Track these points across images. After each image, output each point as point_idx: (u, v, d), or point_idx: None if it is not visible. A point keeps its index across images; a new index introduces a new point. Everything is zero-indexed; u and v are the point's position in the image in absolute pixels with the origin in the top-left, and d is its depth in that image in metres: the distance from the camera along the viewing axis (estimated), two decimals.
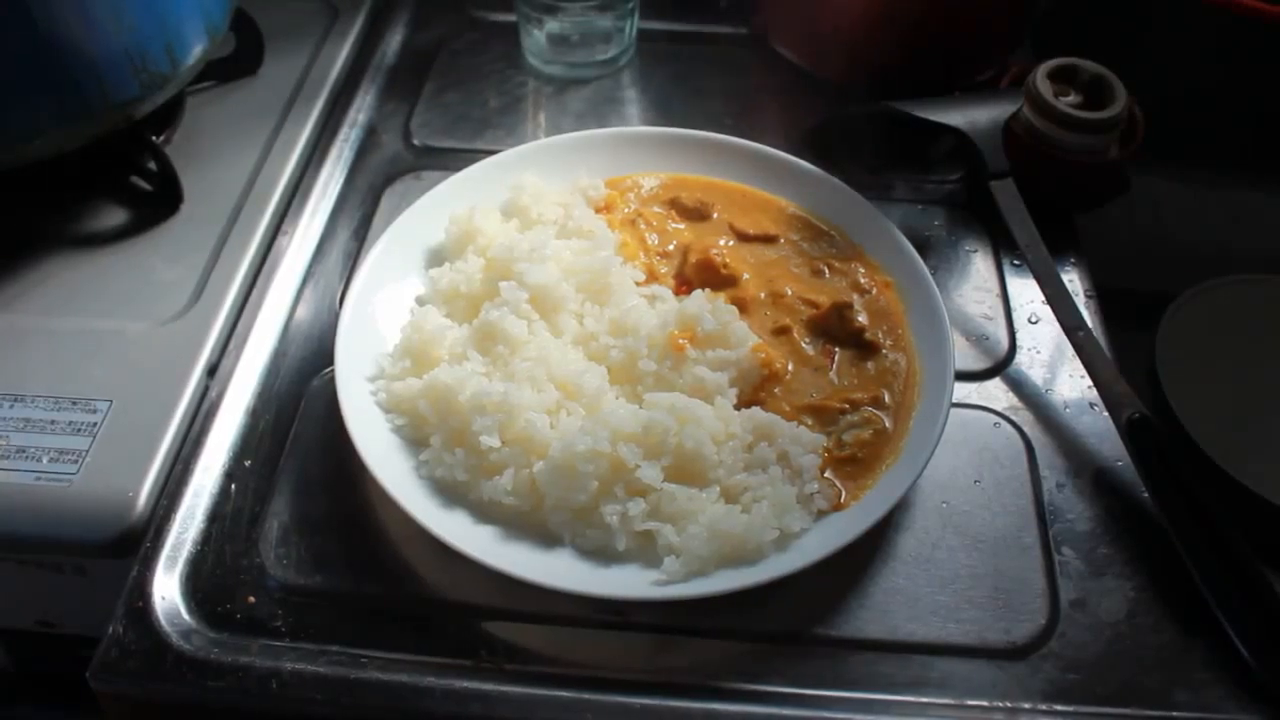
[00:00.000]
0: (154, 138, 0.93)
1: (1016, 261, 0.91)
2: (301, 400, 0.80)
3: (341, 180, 0.98)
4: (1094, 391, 0.78)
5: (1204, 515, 0.70)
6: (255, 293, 0.86)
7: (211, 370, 0.80)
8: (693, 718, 0.64)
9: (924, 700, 0.65)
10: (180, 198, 0.92)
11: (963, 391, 0.81)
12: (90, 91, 0.82)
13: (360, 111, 1.05)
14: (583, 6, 1.05)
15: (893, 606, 0.69)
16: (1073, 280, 0.89)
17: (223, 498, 0.74)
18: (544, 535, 0.70)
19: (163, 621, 0.67)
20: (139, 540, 0.70)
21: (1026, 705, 0.65)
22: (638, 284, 0.84)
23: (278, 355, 0.83)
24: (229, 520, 0.73)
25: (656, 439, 0.71)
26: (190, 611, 0.68)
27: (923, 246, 0.89)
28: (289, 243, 0.90)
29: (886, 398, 0.78)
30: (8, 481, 0.72)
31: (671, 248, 0.89)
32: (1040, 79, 0.92)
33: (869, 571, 0.71)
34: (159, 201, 0.92)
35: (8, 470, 0.73)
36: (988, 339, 0.86)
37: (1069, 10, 1.12)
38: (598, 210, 0.90)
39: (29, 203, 0.92)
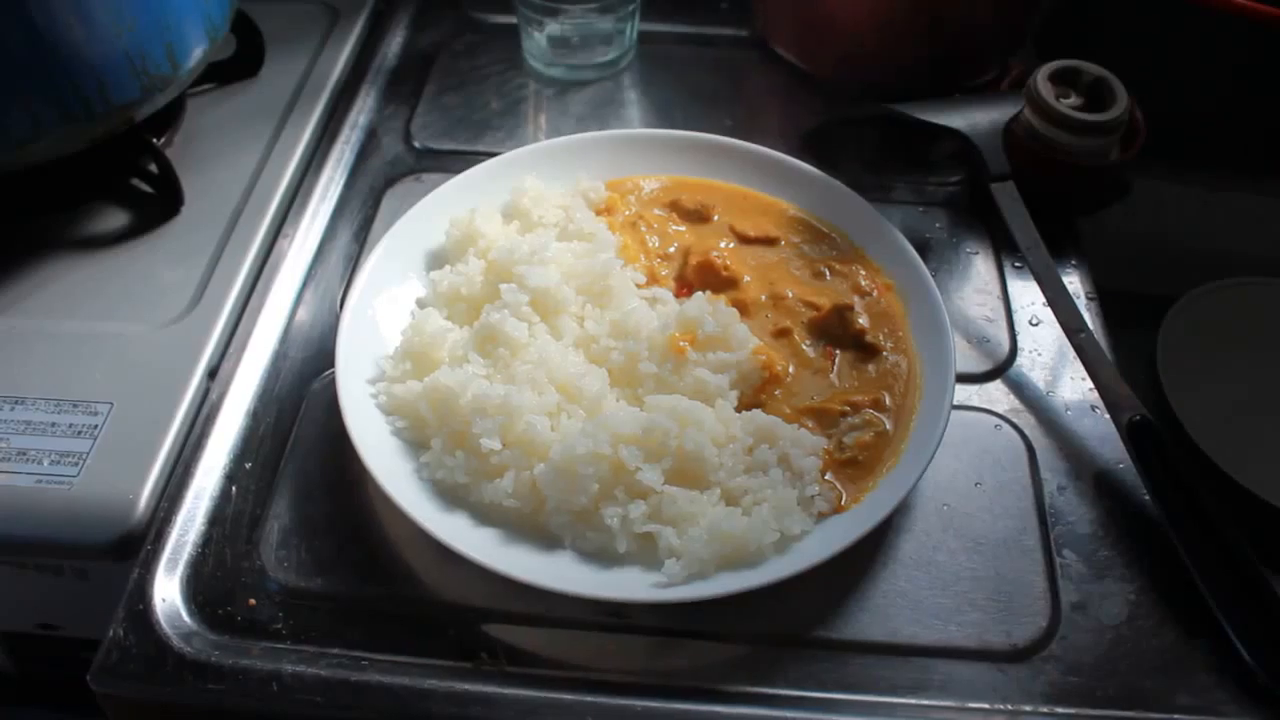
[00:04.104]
0: (154, 140, 0.93)
1: (1018, 263, 0.91)
2: (302, 402, 0.80)
3: (342, 182, 0.98)
4: (1095, 394, 0.78)
5: (1205, 517, 0.70)
6: (256, 295, 0.86)
7: (212, 372, 0.80)
8: None
9: (925, 703, 0.65)
10: (181, 200, 0.92)
11: (964, 393, 0.81)
12: (90, 93, 0.82)
13: (361, 114, 1.05)
14: (583, 9, 1.05)
15: (894, 609, 0.69)
16: (1074, 282, 0.89)
17: (223, 500, 0.74)
18: (545, 537, 0.70)
19: (163, 624, 0.67)
20: (140, 543, 0.70)
21: (1028, 708, 0.65)
22: (638, 286, 0.84)
23: (278, 358, 0.83)
24: (230, 523, 0.73)
25: (657, 441, 0.71)
26: (191, 614, 0.68)
27: (923, 248, 0.89)
28: (290, 245, 0.90)
29: (887, 400, 0.78)
30: (9, 484, 0.72)
31: (672, 250, 0.89)
32: (1041, 81, 0.92)
33: (870, 574, 0.71)
34: (159, 204, 0.92)
35: (9, 473, 0.73)
36: (989, 341, 0.86)
37: (1070, 12, 1.12)
38: (598, 213, 0.90)
39: (30, 205, 0.92)
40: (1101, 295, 0.89)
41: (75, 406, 0.77)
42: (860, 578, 0.71)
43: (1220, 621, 0.67)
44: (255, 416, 0.79)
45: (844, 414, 0.77)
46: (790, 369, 0.80)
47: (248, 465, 0.76)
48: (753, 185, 0.94)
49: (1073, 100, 0.92)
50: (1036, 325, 0.87)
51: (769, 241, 0.90)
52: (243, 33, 1.05)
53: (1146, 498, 0.74)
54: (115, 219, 0.92)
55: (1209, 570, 0.68)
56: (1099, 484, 0.76)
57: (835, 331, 0.82)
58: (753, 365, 0.78)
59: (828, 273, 0.87)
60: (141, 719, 0.68)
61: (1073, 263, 0.91)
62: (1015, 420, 0.80)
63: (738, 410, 0.76)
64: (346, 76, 1.09)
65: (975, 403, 0.81)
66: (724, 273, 0.85)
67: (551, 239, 0.84)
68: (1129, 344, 0.84)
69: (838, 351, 0.81)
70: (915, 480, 0.70)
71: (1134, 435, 0.74)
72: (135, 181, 0.95)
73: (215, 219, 0.92)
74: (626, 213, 0.91)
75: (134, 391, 0.78)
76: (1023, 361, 0.85)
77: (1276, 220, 1.03)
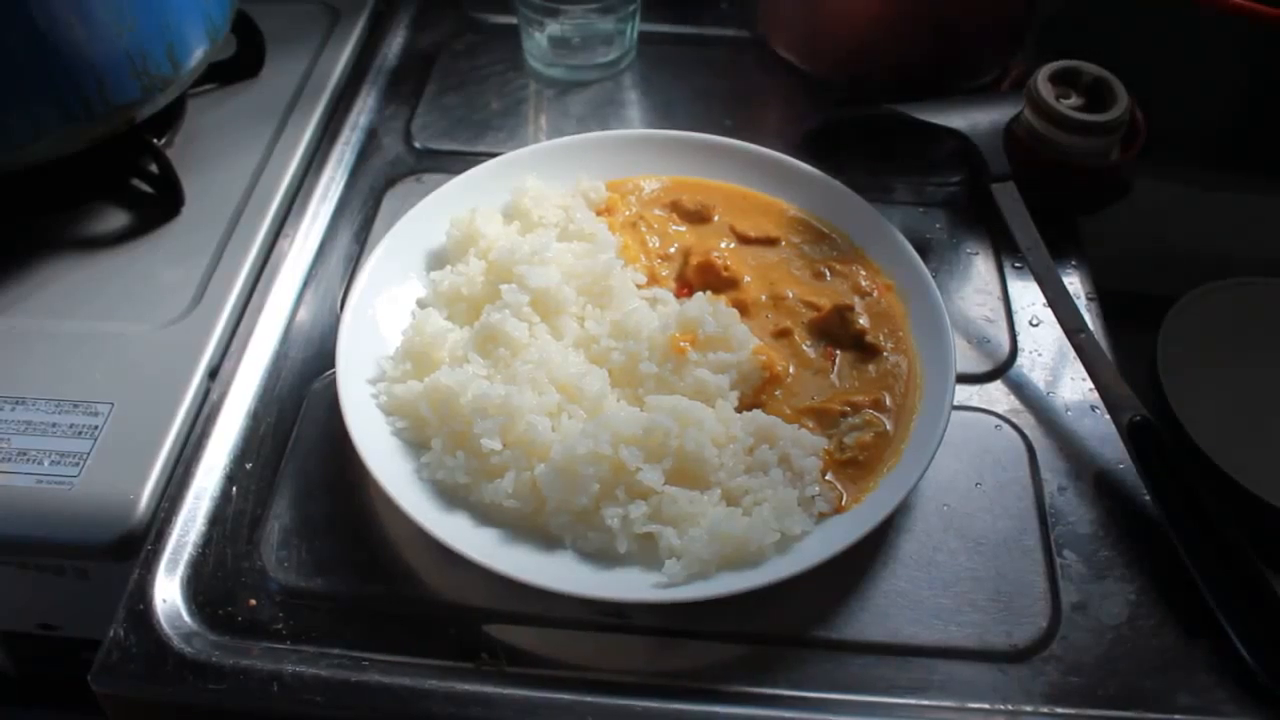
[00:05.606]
0: (155, 140, 0.93)
1: (1018, 264, 0.91)
2: (303, 403, 0.80)
3: (343, 183, 0.98)
4: (1095, 394, 0.78)
5: (1205, 518, 0.70)
6: (256, 295, 0.86)
7: (213, 373, 0.80)
8: None
9: (925, 703, 0.65)
10: (181, 200, 0.92)
11: (964, 394, 0.81)
12: (91, 93, 0.82)
13: (361, 114, 1.05)
14: (584, 9, 1.05)
15: (894, 609, 0.69)
16: (1074, 283, 0.89)
17: (224, 500, 0.74)
18: (545, 538, 0.70)
19: (164, 624, 0.67)
20: (140, 543, 0.70)
21: (1028, 708, 0.65)
22: (639, 286, 0.85)
23: (279, 358, 0.83)
24: (230, 523, 0.73)
25: (658, 441, 0.71)
26: (191, 614, 0.68)
27: (924, 249, 0.89)
28: (290, 245, 0.90)
29: (888, 400, 0.78)
30: (9, 484, 0.72)
31: (672, 250, 0.89)
32: (1041, 81, 0.92)
33: (870, 574, 0.71)
34: (160, 204, 0.92)
35: (9, 473, 0.73)
36: (989, 341, 0.86)
37: (1070, 13, 1.12)
38: (599, 213, 0.90)
39: (30, 206, 0.92)
40: (1101, 295, 0.89)
41: (75, 406, 0.77)
42: (860, 578, 0.71)
43: (1220, 621, 0.67)
44: (256, 416, 0.79)
45: (844, 414, 0.77)
46: (790, 369, 0.80)
47: (248, 465, 0.76)
48: (753, 185, 0.93)
49: (1073, 100, 0.92)
50: (1036, 325, 0.87)
51: (769, 242, 0.90)
52: (243, 33, 1.05)
53: (1146, 498, 0.74)
54: (115, 219, 0.92)
55: (1209, 570, 0.68)
56: (1099, 484, 0.76)
57: (835, 332, 0.82)
58: (753, 365, 0.78)
59: (828, 273, 0.87)
60: (142, 719, 0.68)
61: (1073, 263, 0.91)
62: (1015, 420, 0.80)
63: (738, 410, 0.76)
64: (347, 77, 1.09)
65: (975, 403, 0.81)
66: (724, 273, 0.85)
67: (552, 239, 0.84)
68: (1129, 344, 0.84)
69: (838, 352, 0.81)
70: (915, 480, 0.70)
71: (1134, 435, 0.74)
72: (135, 181, 0.95)
73: (216, 219, 0.92)
74: (627, 213, 0.91)
75: (134, 391, 0.78)
76: (1023, 362, 0.85)
77: (1276, 220, 1.03)
